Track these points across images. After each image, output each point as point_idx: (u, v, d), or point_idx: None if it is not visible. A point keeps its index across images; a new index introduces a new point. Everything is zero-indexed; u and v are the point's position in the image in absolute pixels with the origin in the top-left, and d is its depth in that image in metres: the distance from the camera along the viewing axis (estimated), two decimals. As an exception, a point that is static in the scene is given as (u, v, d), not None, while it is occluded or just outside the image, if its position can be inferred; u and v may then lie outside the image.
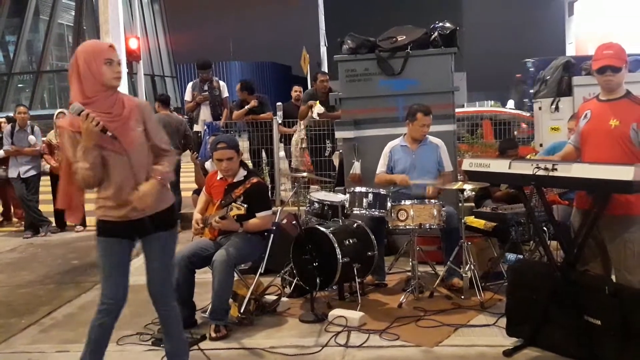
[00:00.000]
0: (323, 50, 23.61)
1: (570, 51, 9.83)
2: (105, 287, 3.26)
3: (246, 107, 8.57)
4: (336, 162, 8.24)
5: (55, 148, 8.24)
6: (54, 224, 8.43)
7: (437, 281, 4.96)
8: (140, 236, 3.25)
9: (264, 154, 8.90)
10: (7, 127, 8.40)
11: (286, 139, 9.09)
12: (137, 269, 6.53)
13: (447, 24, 6.27)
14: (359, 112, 6.29)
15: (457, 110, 6.71)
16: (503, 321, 4.07)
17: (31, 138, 8.25)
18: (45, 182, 8.52)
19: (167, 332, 3.43)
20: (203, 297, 4.59)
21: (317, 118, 8.37)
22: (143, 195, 3.06)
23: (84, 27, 33.82)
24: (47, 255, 7.15)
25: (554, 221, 4.01)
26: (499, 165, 3.85)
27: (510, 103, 17.81)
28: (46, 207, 8.45)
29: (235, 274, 4.47)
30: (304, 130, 8.54)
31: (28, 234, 8.19)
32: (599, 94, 3.85)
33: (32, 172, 8.29)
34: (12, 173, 8.27)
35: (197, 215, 4.60)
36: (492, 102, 24.27)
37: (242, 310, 4.39)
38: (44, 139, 8.48)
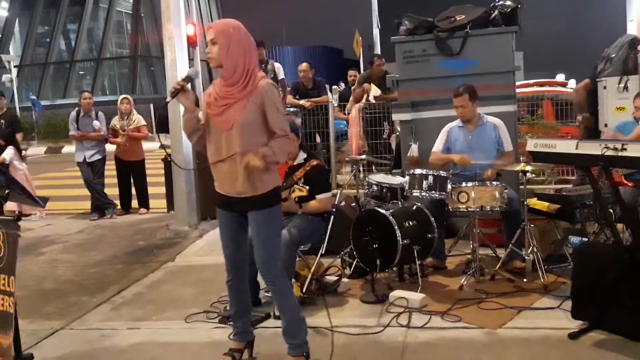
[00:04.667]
0: (376, 32, 23.31)
1: (632, 29, 9.45)
2: (224, 253, 3.51)
3: (301, 102, 8.59)
4: (394, 145, 8.21)
5: (119, 133, 8.51)
6: (119, 207, 8.72)
7: (499, 264, 4.92)
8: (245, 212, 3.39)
9: (317, 138, 8.94)
10: (72, 113, 8.71)
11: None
12: (201, 249, 6.76)
13: (508, 2, 6.11)
14: (416, 93, 6.23)
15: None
16: (567, 304, 4.02)
17: (95, 123, 8.52)
18: (110, 166, 8.79)
19: (279, 308, 3.55)
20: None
21: (373, 101, 8.35)
22: (246, 162, 3.18)
23: (142, 15, 34.57)
24: (113, 236, 7.41)
25: (622, 203, 3.91)
26: (566, 146, 3.77)
27: (560, 77, 17.20)
28: (111, 191, 8.76)
29: (297, 255, 4.55)
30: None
31: (94, 216, 8.48)
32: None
33: (97, 157, 8.57)
34: (78, 157, 8.58)
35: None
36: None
37: (304, 290, 4.46)
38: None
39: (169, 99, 3.32)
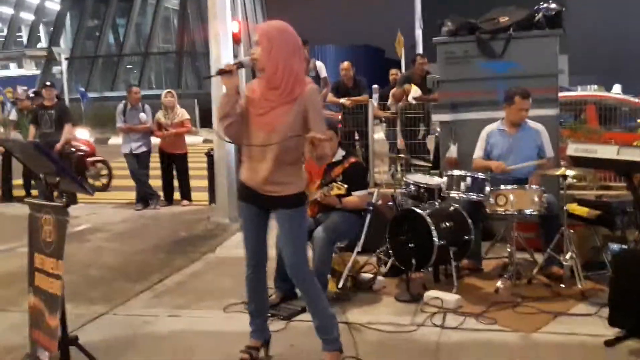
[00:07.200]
0: (418, 32, 23.27)
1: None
2: (245, 246, 3.53)
3: (342, 100, 8.69)
4: (430, 146, 8.22)
5: (163, 126, 8.72)
6: (162, 198, 8.92)
7: (536, 269, 4.89)
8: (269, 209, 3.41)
9: (356, 136, 9.02)
10: (119, 106, 8.96)
11: (389, 122, 9.22)
12: (241, 242, 6.85)
13: (553, 5, 6.07)
14: (457, 94, 6.24)
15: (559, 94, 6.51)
16: (604, 311, 3.98)
17: (142, 116, 8.73)
18: (155, 158, 9.01)
19: (309, 307, 3.54)
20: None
21: (413, 102, 8.38)
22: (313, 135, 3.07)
23: (188, 11, 35.12)
24: (156, 226, 7.60)
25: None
26: (607, 151, 3.76)
27: (617, 87, 16.90)
28: (155, 182, 8.98)
29: (334, 251, 4.62)
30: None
31: (139, 207, 8.69)
32: None
33: (143, 149, 8.76)
34: (125, 149, 8.80)
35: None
36: (596, 86, 23.06)
37: (339, 286, 4.54)
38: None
39: (213, 74, 3.38)
